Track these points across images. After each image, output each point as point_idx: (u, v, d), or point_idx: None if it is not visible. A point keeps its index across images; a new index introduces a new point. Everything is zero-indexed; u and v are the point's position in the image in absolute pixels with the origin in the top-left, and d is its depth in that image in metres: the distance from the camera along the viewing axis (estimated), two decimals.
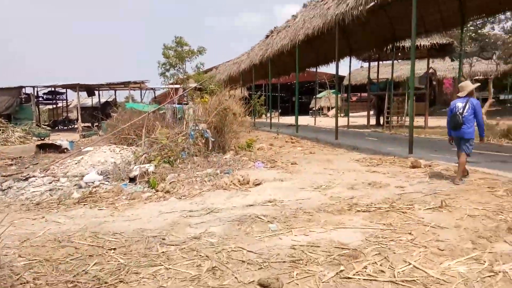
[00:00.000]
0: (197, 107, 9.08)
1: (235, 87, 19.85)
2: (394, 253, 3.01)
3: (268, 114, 47.70)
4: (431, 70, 19.32)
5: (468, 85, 5.86)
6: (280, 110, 44.76)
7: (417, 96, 20.75)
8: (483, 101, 26.25)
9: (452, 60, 24.70)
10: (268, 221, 4.08)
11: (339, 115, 41.52)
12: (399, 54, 21.64)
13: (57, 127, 29.19)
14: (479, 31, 19.30)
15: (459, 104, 5.75)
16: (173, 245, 3.56)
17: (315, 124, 23.06)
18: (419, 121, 21.31)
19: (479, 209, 4.06)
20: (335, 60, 19.59)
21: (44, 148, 13.11)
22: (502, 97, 38.67)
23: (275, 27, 18.91)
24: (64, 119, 32.72)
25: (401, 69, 33.61)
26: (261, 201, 4.93)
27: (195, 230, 3.90)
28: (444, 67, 30.68)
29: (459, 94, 5.87)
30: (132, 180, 6.50)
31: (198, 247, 3.43)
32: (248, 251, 3.27)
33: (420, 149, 8.73)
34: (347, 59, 18.42)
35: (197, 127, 7.97)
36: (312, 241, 3.42)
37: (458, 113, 5.68)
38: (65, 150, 13.04)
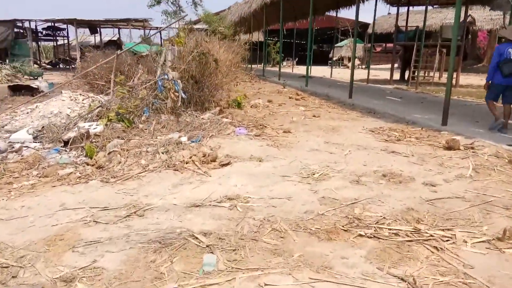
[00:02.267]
0: (177, 49, 7.18)
1: (239, 31, 17.60)
2: None
3: (284, 63, 44.91)
4: (469, 19, 16.54)
5: None
6: (297, 59, 42.13)
7: (450, 48, 18.15)
8: None
9: (493, 9, 21.50)
10: (207, 247, 2.44)
11: (361, 67, 38.78)
12: None
13: (57, 66, 27.58)
14: None
15: (510, 49, 5.56)
16: None
17: (331, 76, 20.81)
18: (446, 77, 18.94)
19: None
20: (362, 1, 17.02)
21: (19, 90, 11.60)
22: None
23: None
24: (65, 57, 30.96)
25: (433, 18, 30.24)
26: (218, 196, 3.27)
27: (77, 260, 2.30)
28: (480, 17, 27.20)
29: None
30: (67, 143, 4.89)
31: None
32: None
33: (456, 118, 6.80)
34: (372, 1, 15.74)
35: (166, 76, 6.17)
36: None
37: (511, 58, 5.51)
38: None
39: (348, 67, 39.35)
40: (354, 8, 18.12)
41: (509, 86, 5.60)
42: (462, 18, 18.25)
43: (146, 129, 5.55)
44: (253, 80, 15.85)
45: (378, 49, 46.59)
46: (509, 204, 3.08)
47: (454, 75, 16.65)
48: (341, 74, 25.72)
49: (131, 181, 3.71)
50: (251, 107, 8.01)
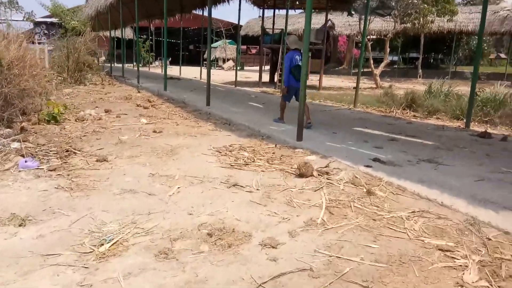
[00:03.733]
0: None
1: (93, 26, 15.24)
2: None
3: (157, 63, 42.48)
4: (329, 23, 17.16)
5: (298, 40, 6.56)
6: (170, 58, 40.48)
7: (313, 52, 18.75)
8: (379, 61, 25.65)
9: (350, 15, 23.17)
10: None
11: (233, 68, 38.78)
12: (297, 2, 19.06)
13: None
14: None
15: (297, 57, 6.29)
16: None
17: (200, 78, 19.70)
18: (313, 79, 19.50)
19: None
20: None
21: None
22: (390, 58, 39.73)
23: None
24: None
25: (299, 22, 31.63)
26: None
27: None
28: (340, 23, 29.36)
29: (296, 47, 6.44)
30: None
31: None
32: None
33: (314, 128, 6.18)
34: (243, 2, 15.03)
35: None
36: None
37: (299, 64, 6.11)
38: None
39: (222, 68, 38.98)
40: (223, 7, 17.30)
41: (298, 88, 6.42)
42: (322, 24, 19.00)
43: None
44: (106, 82, 13.72)
45: (253, 51, 47.48)
46: (369, 275, 2.16)
47: (317, 78, 17.15)
48: (214, 76, 24.93)
49: None
50: (75, 120, 6.23)
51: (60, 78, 12.59)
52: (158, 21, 27.20)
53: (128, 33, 42.38)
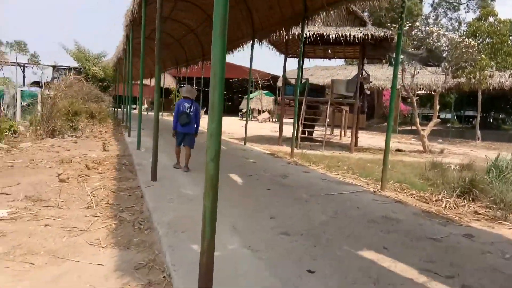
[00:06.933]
0: None
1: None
2: None
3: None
4: (364, 74, 14.47)
5: (193, 91, 6.76)
6: (205, 108, 39.68)
7: (352, 106, 15.90)
8: (430, 119, 22.21)
9: (390, 64, 20.34)
10: None
11: (271, 120, 36.75)
12: (329, 51, 16.70)
13: None
14: (426, 28, 14.81)
15: (186, 104, 6.58)
16: None
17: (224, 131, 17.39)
18: (349, 137, 16.57)
19: None
20: (241, 45, 14.21)
21: None
22: (442, 115, 35.83)
23: None
24: None
25: (338, 74, 29.25)
26: None
27: None
28: (384, 76, 26.55)
29: (189, 96, 6.65)
30: None
31: None
32: None
33: (277, 254, 3.26)
34: (252, 44, 12.86)
35: None
36: None
37: (186, 111, 6.49)
38: None
39: (257, 120, 37.07)
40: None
41: (186, 133, 6.60)
42: (353, 75, 16.38)
43: None
44: (93, 134, 11.78)
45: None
46: None
47: (349, 134, 14.25)
48: (242, 128, 22.86)
49: None
50: None
51: (31, 128, 10.79)
52: (194, 70, 25.15)
53: (169, 82, 42.50)
